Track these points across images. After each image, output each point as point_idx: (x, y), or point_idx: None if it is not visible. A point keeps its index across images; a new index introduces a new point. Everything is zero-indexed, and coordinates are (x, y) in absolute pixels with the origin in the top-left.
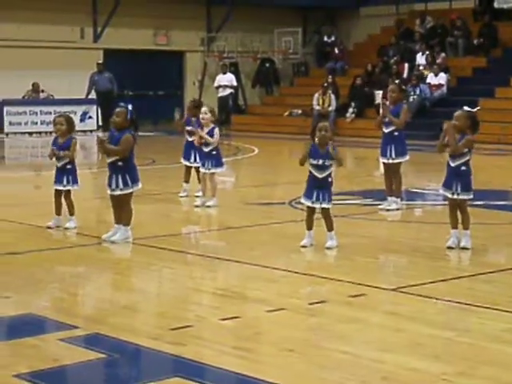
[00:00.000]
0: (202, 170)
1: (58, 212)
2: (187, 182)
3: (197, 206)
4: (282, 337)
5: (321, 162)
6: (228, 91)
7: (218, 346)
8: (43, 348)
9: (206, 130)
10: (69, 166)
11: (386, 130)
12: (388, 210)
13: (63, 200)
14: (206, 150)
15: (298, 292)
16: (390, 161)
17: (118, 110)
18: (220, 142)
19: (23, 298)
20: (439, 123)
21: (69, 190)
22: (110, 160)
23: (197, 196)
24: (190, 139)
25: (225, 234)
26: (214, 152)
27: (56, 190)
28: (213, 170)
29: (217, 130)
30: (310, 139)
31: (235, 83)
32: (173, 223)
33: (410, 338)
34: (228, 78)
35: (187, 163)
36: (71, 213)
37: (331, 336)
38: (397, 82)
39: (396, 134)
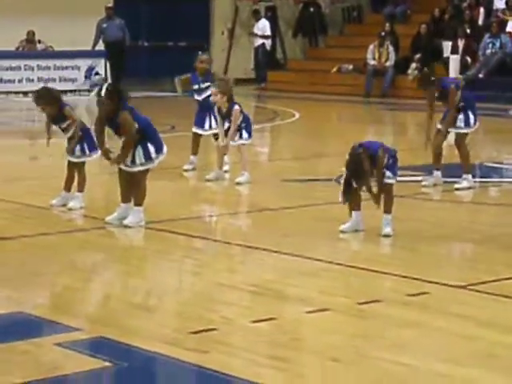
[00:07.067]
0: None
1: (67, 187)
2: (195, 154)
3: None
4: (326, 344)
5: None
6: (258, 42)
7: (249, 354)
8: (37, 354)
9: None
10: (79, 133)
11: None
12: (457, 188)
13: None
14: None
15: (345, 289)
16: (457, 130)
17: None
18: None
19: (13, 294)
20: None
21: (83, 162)
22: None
23: (225, 171)
24: (199, 98)
25: (257, 218)
26: (244, 124)
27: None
28: (241, 142)
29: (237, 107)
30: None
31: (268, 32)
32: (195, 203)
33: (482, 347)
34: (259, 26)
35: (200, 131)
36: (80, 189)
37: (385, 344)
38: (425, 69)
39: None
